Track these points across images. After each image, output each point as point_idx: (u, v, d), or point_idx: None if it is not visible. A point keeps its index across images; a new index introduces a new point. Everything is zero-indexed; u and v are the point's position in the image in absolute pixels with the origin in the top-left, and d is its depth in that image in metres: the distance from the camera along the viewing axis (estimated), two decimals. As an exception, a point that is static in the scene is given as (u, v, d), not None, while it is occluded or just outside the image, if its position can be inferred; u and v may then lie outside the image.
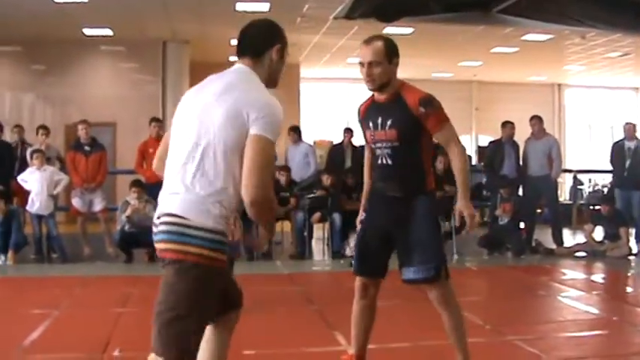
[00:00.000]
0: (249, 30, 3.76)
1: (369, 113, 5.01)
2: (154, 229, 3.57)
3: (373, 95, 5.00)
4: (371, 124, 4.94)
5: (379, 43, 4.82)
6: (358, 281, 5.15)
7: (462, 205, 4.86)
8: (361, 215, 5.16)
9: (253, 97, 3.49)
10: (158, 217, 3.55)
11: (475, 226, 4.99)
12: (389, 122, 4.84)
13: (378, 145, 4.92)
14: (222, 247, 3.48)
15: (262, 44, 3.70)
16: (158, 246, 3.53)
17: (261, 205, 3.41)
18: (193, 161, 3.48)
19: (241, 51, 3.73)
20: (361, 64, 4.85)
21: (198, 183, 3.45)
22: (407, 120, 4.78)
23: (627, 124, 13.59)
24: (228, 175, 3.44)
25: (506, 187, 12.83)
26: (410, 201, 4.84)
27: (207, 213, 3.42)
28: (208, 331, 3.72)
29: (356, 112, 5.20)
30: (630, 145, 13.29)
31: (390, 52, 4.82)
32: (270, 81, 3.73)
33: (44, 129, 13.09)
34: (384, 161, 4.91)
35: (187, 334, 3.43)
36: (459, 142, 4.89)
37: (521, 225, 13.18)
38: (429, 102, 4.75)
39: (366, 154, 5.26)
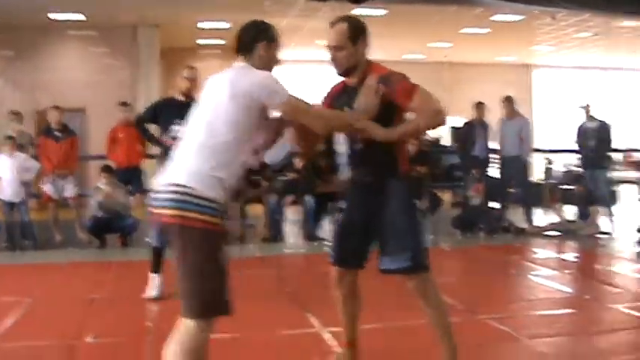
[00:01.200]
0: (240, 32, 4.28)
1: (341, 97, 4.79)
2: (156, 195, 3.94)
3: (345, 79, 4.82)
4: (346, 109, 4.67)
5: (342, 26, 4.62)
6: (334, 271, 4.96)
7: (376, 126, 4.50)
8: (341, 203, 5.01)
9: (252, 79, 4.04)
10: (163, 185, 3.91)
11: (370, 97, 4.50)
12: (356, 107, 4.60)
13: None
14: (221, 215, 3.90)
15: (249, 43, 4.22)
16: (164, 212, 3.86)
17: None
18: (199, 138, 3.97)
19: (236, 51, 4.26)
20: (328, 47, 4.71)
21: (203, 157, 3.90)
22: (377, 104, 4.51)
23: (588, 105, 13.64)
24: (228, 153, 3.94)
25: (477, 168, 12.90)
26: (384, 187, 4.64)
27: (211, 186, 3.84)
28: None
29: (325, 94, 5.03)
30: (593, 125, 13.37)
31: (355, 34, 4.61)
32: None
33: (16, 114, 12.99)
34: (357, 146, 4.70)
35: (221, 291, 3.94)
36: (439, 104, 4.50)
37: (494, 205, 13.26)
38: (387, 78, 4.51)
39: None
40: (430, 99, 4.48)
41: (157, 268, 7.65)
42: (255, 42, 4.22)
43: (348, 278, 4.93)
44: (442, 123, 4.55)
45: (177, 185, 3.82)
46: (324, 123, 4.36)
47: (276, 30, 4.31)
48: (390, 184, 4.64)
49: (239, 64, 4.22)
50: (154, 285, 7.62)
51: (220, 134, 3.93)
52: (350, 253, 4.84)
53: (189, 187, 3.80)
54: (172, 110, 7.51)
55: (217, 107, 3.99)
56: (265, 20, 4.31)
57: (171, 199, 3.81)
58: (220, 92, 4.01)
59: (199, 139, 3.95)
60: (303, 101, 4.16)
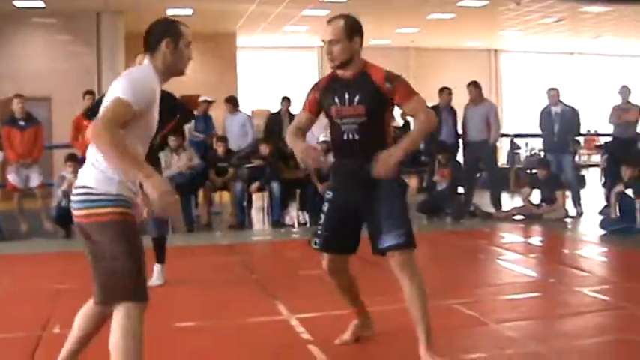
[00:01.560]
0: (147, 30, 4.32)
1: (332, 88, 5.06)
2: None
3: (334, 72, 5.10)
4: (337, 99, 4.99)
5: (340, 22, 4.95)
6: (325, 259, 5.21)
7: (389, 150, 4.84)
8: (328, 194, 5.23)
9: (124, 78, 4.11)
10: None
11: (386, 167, 4.77)
12: (357, 98, 4.93)
13: (345, 120, 4.99)
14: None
15: (153, 41, 4.25)
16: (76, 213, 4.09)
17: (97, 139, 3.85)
18: None
19: (144, 49, 4.31)
20: (325, 42, 5.01)
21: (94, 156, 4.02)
22: (374, 96, 4.90)
23: (551, 89, 13.71)
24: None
25: (443, 153, 12.94)
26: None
27: (110, 181, 3.98)
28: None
29: (313, 86, 5.24)
30: (557, 109, 13.45)
31: (350, 30, 4.94)
32: (170, 71, 4.29)
33: None
34: (350, 137, 4.99)
35: (137, 274, 4.00)
36: (430, 111, 4.97)
37: (460, 190, 13.32)
38: (395, 77, 4.92)
39: (297, 122, 5.31)
40: (424, 106, 4.94)
41: (161, 258, 7.68)
42: (159, 39, 4.24)
43: (340, 264, 5.23)
44: (434, 128, 5.16)
45: (82, 187, 4.05)
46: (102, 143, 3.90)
47: (184, 27, 4.34)
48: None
49: (141, 63, 4.36)
50: (159, 274, 7.63)
51: None
52: (344, 238, 5.12)
53: (89, 187, 4.01)
54: None
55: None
56: (175, 20, 4.43)
57: (78, 201, 4.04)
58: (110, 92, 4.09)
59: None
60: (113, 111, 3.91)
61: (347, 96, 4.96)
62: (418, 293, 4.91)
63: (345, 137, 5.01)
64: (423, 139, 5.00)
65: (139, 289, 4.02)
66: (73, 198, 4.09)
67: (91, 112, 8.09)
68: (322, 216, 5.20)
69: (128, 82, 4.03)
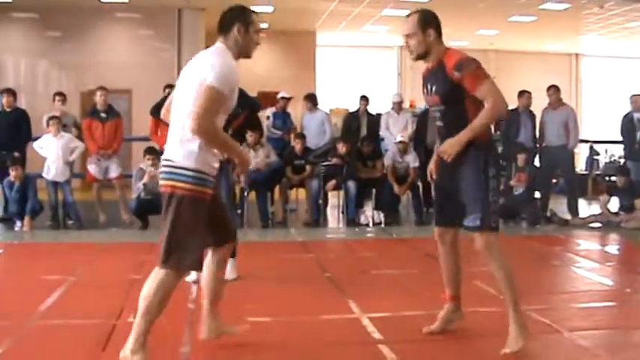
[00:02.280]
0: (221, 15, 4.85)
1: (425, 79, 5.41)
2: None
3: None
4: (426, 90, 5.39)
5: (414, 16, 5.24)
6: (435, 230, 5.57)
7: (448, 142, 5.13)
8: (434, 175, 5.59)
9: (210, 63, 4.57)
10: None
11: (450, 151, 5.09)
12: (434, 88, 5.26)
13: (432, 108, 5.41)
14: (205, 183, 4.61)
15: (226, 25, 4.79)
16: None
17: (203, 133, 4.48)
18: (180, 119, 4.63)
19: (217, 31, 4.83)
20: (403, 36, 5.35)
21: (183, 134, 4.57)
22: (446, 85, 5.13)
23: (634, 95, 13.51)
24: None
25: (521, 153, 12.78)
26: (461, 157, 5.10)
27: (190, 156, 4.54)
28: (208, 256, 5.09)
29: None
30: (639, 116, 13.24)
31: (424, 23, 5.19)
32: (241, 52, 4.84)
33: (60, 95, 13.10)
34: (439, 123, 5.37)
35: (176, 246, 4.61)
36: (498, 96, 5.03)
37: (537, 195, 13.17)
38: (462, 65, 5.05)
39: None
40: (492, 92, 5.02)
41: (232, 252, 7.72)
42: (231, 24, 4.77)
43: (447, 237, 5.54)
44: (502, 114, 5.19)
45: (167, 160, 4.67)
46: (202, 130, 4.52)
47: (255, 15, 4.86)
48: (466, 155, 5.10)
49: (216, 45, 4.82)
50: (232, 269, 7.67)
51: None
52: (443, 214, 5.52)
53: (172, 161, 4.61)
54: None
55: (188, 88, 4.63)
56: (248, 8, 4.90)
57: (163, 172, 4.69)
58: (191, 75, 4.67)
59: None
60: (210, 102, 4.46)
61: (429, 86, 5.32)
62: (500, 273, 5.18)
63: (436, 123, 5.43)
64: (491, 124, 5.05)
65: (175, 260, 4.60)
66: (160, 169, 4.73)
67: (155, 110, 8.15)
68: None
69: (217, 69, 4.50)
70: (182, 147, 4.55)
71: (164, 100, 8.07)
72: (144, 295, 4.61)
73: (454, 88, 5.07)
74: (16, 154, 12.03)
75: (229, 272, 7.69)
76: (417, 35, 5.18)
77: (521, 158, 12.76)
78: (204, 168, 4.58)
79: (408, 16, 5.32)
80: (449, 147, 5.07)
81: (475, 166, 5.11)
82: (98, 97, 12.48)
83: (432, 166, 5.61)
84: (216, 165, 4.71)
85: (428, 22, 5.21)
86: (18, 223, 11.71)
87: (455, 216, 5.34)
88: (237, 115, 7.62)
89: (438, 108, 5.28)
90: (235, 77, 4.62)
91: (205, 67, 4.54)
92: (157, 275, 4.65)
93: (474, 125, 5.03)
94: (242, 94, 8.02)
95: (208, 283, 5.21)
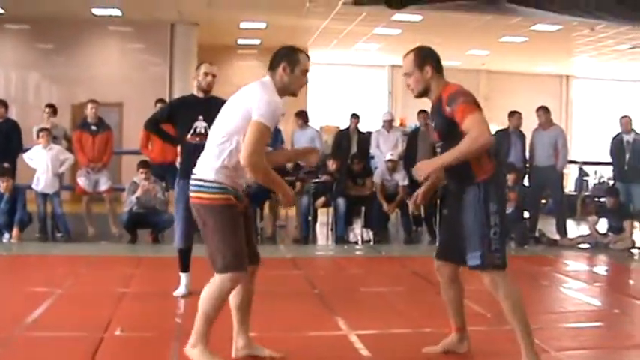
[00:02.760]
0: (274, 52, 5.16)
1: (430, 115, 5.55)
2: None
3: None
4: (432, 126, 5.47)
5: (410, 55, 5.26)
6: (435, 261, 5.51)
7: (424, 162, 5.22)
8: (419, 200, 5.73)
9: (258, 98, 4.84)
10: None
11: (420, 171, 5.10)
12: (434, 124, 5.33)
13: (436, 145, 5.44)
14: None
15: (274, 62, 5.10)
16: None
17: (252, 168, 4.79)
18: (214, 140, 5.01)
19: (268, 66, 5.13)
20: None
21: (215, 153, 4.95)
22: (443, 121, 5.10)
23: (623, 117, 13.58)
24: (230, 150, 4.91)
25: (511, 173, 12.81)
26: (462, 192, 5.11)
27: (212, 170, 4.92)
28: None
29: None
30: (628, 138, 13.32)
31: (420, 60, 5.19)
32: (284, 90, 5.08)
33: (51, 107, 13.11)
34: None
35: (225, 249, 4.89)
36: (482, 128, 4.88)
37: (525, 215, 13.20)
38: (453, 99, 4.99)
39: None
40: (476, 125, 4.88)
41: (185, 267, 7.69)
42: (278, 62, 5.08)
43: (444, 270, 5.46)
44: (481, 149, 4.93)
45: (194, 174, 5.04)
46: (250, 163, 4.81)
47: (303, 56, 5.18)
48: (466, 190, 5.09)
49: (265, 78, 5.09)
50: (183, 283, 7.66)
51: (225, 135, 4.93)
52: (447, 248, 5.44)
53: (197, 174, 5.01)
54: (193, 108, 7.52)
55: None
56: (298, 48, 5.22)
57: (193, 185, 5.02)
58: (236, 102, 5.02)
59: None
60: (260, 138, 4.76)
61: (432, 122, 5.44)
62: (508, 313, 5.17)
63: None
64: (467, 156, 4.94)
65: (222, 264, 4.88)
66: (191, 182, 5.04)
67: (150, 124, 8.11)
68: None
69: (265, 106, 4.79)
70: (208, 164, 4.94)
71: (158, 114, 8.11)
72: (203, 298, 4.94)
73: (450, 123, 5.01)
74: (6, 165, 12.03)
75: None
76: (414, 73, 5.19)
77: (510, 178, 12.77)
78: (226, 181, 4.91)
79: (405, 55, 5.31)
80: (423, 165, 5.11)
81: (475, 201, 5.03)
82: (89, 110, 12.47)
83: (420, 191, 5.65)
84: (241, 183, 5.09)
85: (424, 59, 5.20)
86: (6, 235, 11.66)
87: (455, 252, 5.28)
88: None
89: (439, 144, 5.29)
90: (279, 113, 4.92)
91: (253, 100, 4.84)
92: (213, 280, 4.94)
93: (454, 152, 4.93)
94: None
95: (235, 303, 5.33)
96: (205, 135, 7.34)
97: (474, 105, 4.96)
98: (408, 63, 5.23)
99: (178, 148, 7.78)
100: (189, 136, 7.43)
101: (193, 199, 5.00)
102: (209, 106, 7.21)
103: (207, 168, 4.94)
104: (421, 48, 5.30)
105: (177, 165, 7.94)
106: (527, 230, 12.87)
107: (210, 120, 7.44)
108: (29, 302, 7.09)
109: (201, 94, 7.60)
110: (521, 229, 12.69)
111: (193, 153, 7.43)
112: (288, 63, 5.04)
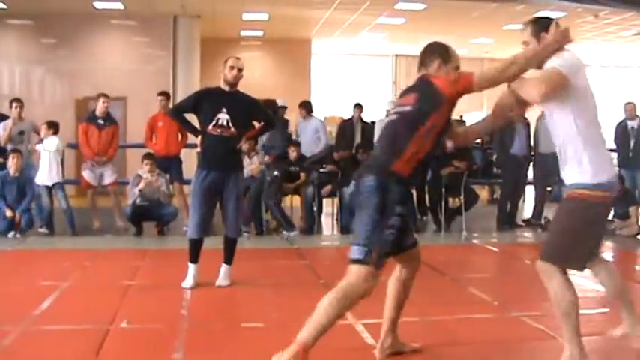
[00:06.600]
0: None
1: None
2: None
3: None
4: None
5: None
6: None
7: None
8: None
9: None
10: None
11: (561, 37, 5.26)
12: None
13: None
14: None
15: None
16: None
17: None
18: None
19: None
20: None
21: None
22: None
23: (627, 103, 13.53)
24: None
25: (516, 167, 12.78)
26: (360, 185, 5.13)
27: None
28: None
29: None
30: (633, 124, 13.27)
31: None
32: None
33: (18, 102, 12.78)
34: None
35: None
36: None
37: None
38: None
39: None
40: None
41: (194, 258, 7.69)
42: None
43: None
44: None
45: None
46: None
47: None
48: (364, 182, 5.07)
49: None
50: (190, 274, 7.66)
51: None
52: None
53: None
54: (217, 99, 7.58)
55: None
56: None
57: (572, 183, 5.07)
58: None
59: None
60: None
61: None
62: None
63: None
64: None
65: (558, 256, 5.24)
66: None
67: (175, 111, 8.31)
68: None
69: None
70: None
71: (184, 103, 8.17)
72: (557, 302, 5.10)
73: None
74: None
75: (223, 279, 7.71)
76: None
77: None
78: None
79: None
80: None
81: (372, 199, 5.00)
82: (100, 104, 12.41)
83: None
84: None
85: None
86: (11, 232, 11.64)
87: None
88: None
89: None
90: None
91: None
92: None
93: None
94: (259, 109, 8.14)
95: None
96: (227, 127, 7.44)
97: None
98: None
99: (199, 139, 7.82)
100: (210, 127, 7.51)
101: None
102: (233, 99, 7.38)
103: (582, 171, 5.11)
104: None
105: (197, 154, 7.99)
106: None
107: (233, 113, 7.53)
108: (36, 296, 7.12)
109: (227, 87, 7.66)
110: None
111: (214, 144, 7.48)
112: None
